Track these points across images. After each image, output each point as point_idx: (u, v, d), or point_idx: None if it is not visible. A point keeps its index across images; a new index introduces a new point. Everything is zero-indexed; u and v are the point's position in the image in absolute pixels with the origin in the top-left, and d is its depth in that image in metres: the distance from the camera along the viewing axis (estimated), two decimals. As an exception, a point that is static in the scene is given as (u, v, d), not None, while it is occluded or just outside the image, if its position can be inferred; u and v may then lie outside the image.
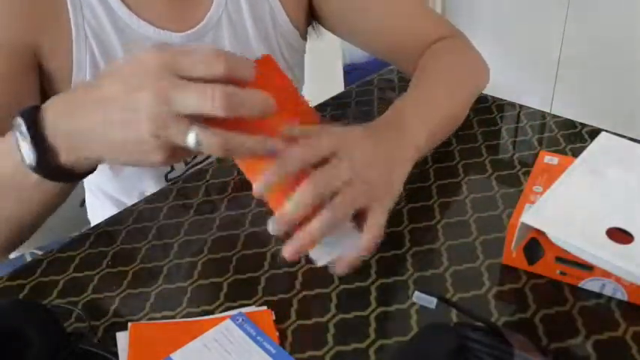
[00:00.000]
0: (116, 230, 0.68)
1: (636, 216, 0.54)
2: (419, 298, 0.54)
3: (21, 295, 0.60)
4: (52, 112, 0.52)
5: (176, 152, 0.48)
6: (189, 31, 0.76)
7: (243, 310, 0.55)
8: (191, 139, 0.45)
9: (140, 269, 0.62)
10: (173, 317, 0.56)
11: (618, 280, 0.53)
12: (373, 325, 0.54)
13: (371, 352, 0.51)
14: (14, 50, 0.67)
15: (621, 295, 0.54)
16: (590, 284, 0.55)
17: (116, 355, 0.51)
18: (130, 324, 0.54)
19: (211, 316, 0.55)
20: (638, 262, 0.48)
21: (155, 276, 0.61)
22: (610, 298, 0.55)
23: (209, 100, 0.44)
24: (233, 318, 0.53)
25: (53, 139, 0.52)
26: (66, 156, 0.52)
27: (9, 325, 0.47)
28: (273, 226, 0.49)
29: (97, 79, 0.51)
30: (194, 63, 0.46)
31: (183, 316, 0.56)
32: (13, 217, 0.60)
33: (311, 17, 0.87)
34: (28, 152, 0.52)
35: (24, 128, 0.51)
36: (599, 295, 0.55)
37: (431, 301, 0.53)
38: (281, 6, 0.82)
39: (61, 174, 0.54)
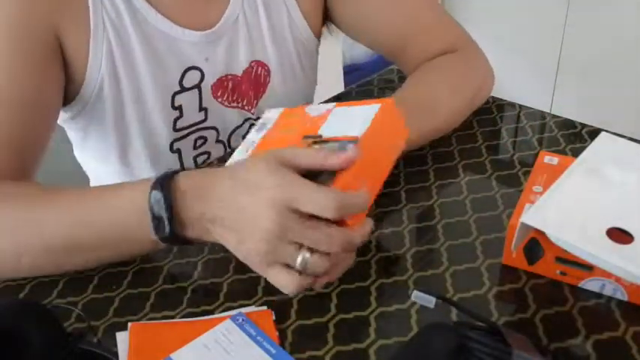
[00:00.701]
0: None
1: (636, 216, 0.54)
2: (418, 297, 0.54)
3: (21, 295, 0.60)
4: (186, 191, 0.54)
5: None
6: (207, 31, 0.76)
7: (243, 310, 0.55)
8: (299, 262, 0.50)
9: (140, 269, 0.62)
10: (173, 317, 0.56)
11: (618, 280, 0.53)
12: (373, 325, 0.54)
13: (371, 352, 0.51)
14: (39, 32, 0.67)
15: (621, 295, 0.54)
16: (590, 284, 0.55)
17: (116, 355, 0.51)
18: (129, 324, 0.54)
19: (211, 316, 0.55)
20: (638, 262, 0.48)
21: (155, 276, 0.61)
22: (610, 298, 0.55)
23: (324, 244, 0.50)
24: (233, 318, 0.53)
25: (184, 216, 0.54)
26: (193, 233, 0.55)
27: (9, 325, 0.47)
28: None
29: (228, 177, 0.54)
30: (313, 207, 0.49)
31: (183, 316, 0.56)
32: (107, 260, 0.61)
33: (325, 17, 0.87)
34: (161, 225, 0.54)
35: (163, 203, 0.53)
36: (599, 295, 0.55)
37: (430, 300, 0.53)
38: (298, 8, 0.82)
39: (184, 242, 0.56)
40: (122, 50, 0.73)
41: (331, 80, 2.11)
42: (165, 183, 0.54)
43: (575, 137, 0.78)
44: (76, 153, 0.89)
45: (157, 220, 0.54)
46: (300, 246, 0.50)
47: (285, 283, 0.51)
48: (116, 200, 0.58)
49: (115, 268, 0.62)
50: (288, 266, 0.51)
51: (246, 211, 0.51)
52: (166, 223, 0.53)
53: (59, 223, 0.58)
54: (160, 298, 0.58)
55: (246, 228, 0.51)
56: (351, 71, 2.21)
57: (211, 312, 0.56)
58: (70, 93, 0.75)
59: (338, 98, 0.94)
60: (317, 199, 0.49)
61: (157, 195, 0.53)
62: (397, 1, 0.83)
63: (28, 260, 0.59)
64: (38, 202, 0.60)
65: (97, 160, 0.86)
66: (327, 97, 0.94)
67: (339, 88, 1.99)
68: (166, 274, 0.61)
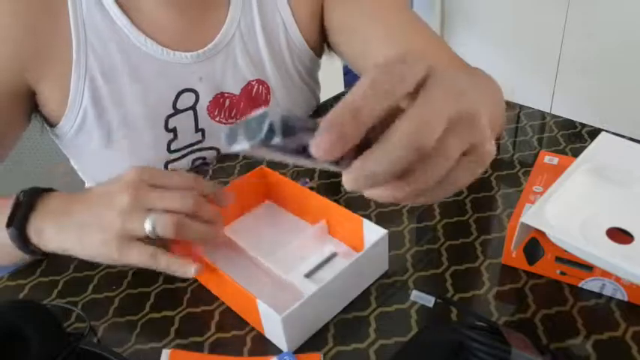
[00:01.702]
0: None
1: (636, 216, 0.54)
2: (417, 296, 0.54)
3: (21, 295, 0.60)
4: (46, 208, 0.57)
5: (134, 251, 0.54)
6: (199, 51, 0.75)
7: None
8: (148, 225, 0.52)
9: (140, 269, 0.62)
10: (173, 317, 0.56)
11: (618, 280, 0.53)
12: (373, 325, 0.54)
13: (371, 352, 0.51)
14: (8, 80, 0.67)
15: (621, 295, 0.54)
16: (590, 284, 0.55)
17: (116, 354, 0.51)
18: (167, 351, 0.53)
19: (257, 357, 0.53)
20: (638, 262, 0.48)
21: (155, 276, 0.61)
22: (610, 298, 0.55)
23: (177, 201, 0.53)
24: (280, 357, 0.51)
25: (39, 213, 0.56)
26: (45, 245, 0.57)
27: (9, 325, 0.47)
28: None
29: (87, 190, 0.58)
30: (169, 183, 0.55)
31: (182, 316, 0.56)
32: None
33: (324, 39, 0.85)
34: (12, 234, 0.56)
35: (17, 214, 0.56)
36: (599, 295, 0.55)
37: (429, 300, 0.53)
38: (295, 24, 0.80)
39: (35, 252, 0.58)
40: (107, 80, 0.72)
41: (331, 80, 2.10)
42: (32, 193, 0.57)
43: (575, 137, 0.78)
44: (71, 159, 0.89)
45: (14, 208, 0.56)
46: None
47: (141, 252, 0.53)
48: None
49: (115, 268, 0.62)
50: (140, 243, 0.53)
51: (101, 197, 0.55)
52: (16, 231, 0.56)
53: None
54: (160, 298, 0.58)
55: (107, 210, 0.53)
56: (351, 71, 2.21)
57: (211, 312, 0.56)
58: (51, 121, 0.75)
59: (338, 98, 0.94)
60: (171, 175, 0.56)
61: (21, 196, 0.57)
62: (392, 28, 0.78)
63: None
64: None
65: (84, 174, 0.86)
66: (327, 97, 0.94)
67: (339, 88, 2.00)
68: (166, 274, 0.61)
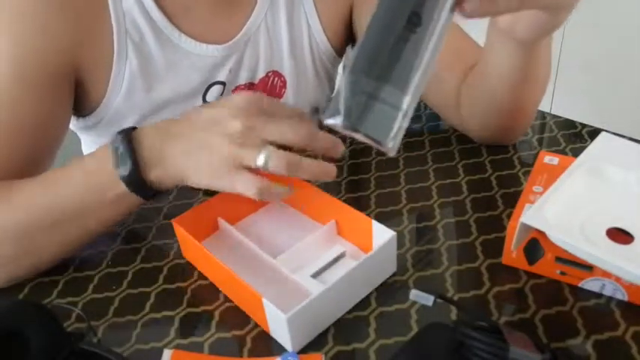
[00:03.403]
0: (116, 230, 0.68)
1: (636, 216, 0.54)
2: (416, 296, 0.54)
3: (21, 295, 0.60)
4: (149, 130, 0.57)
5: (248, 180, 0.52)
6: (229, 42, 0.76)
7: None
8: (261, 159, 0.51)
9: (140, 269, 0.62)
10: (173, 317, 0.56)
11: (618, 280, 0.53)
12: (373, 325, 0.54)
13: (371, 352, 0.51)
14: (56, 69, 0.67)
15: (621, 295, 0.54)
16: (590, 284, 0.55)
17: (116, 354, 0.51)
18: (170, 351, 0.52)
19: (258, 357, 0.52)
20: (638, 262, 0.48)
21: (155, 276, 0.61)
22: (610, 298, 0.55)
23: (291, 132, 0.52)
24: (283, 357, 0.51)
25: (148, 154, 0.56)
26: (155, 172, 0.56)
27: (9, 325, 0.47)
28: None
29: (192, 111, 0.57)
30: (280, 112, 0.55)
31: (181, 317, 0.56)
32: (75, 240, 0.61)
33: (352, 38, 0.86)
34: (122, 164, 0.56)
35: (122, 142, 0.56)
36: (599, 295, 0.55)
37: (428, 299, 0.53)
38: (319, 24, 0.81)
39: (147, 189, 0.57)
40: (145, 72, 0.73)
41: (331, 80, 2.10)
42: (126, 131, 0.57)
43: (575, 137, 0.78)
44: (84, 150, 0.89)
45: (116, 155, 0.56)
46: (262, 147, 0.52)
47: (249, 184, 0.52)
48: (80, 161, 0.60)
49: (115, 268, 0.62)
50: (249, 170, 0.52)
51: (210, 122, 0.54)
52: (127, 159, 0.55)
53: (30, 202, 0.59)
54: (160, 298, 0.58)
55: (218, 136, 0.52)
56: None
57: (211, 311, 0.56)
58: (85, 110, 0.75)
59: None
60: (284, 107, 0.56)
61: (117, 137, 0.56)
62: None
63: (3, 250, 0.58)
64: (6, 192, 0.60)
65: None
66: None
67: (339, 88, 1.99)
68: (166, 274, 0.61)
